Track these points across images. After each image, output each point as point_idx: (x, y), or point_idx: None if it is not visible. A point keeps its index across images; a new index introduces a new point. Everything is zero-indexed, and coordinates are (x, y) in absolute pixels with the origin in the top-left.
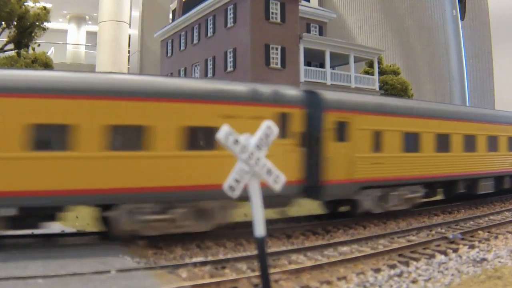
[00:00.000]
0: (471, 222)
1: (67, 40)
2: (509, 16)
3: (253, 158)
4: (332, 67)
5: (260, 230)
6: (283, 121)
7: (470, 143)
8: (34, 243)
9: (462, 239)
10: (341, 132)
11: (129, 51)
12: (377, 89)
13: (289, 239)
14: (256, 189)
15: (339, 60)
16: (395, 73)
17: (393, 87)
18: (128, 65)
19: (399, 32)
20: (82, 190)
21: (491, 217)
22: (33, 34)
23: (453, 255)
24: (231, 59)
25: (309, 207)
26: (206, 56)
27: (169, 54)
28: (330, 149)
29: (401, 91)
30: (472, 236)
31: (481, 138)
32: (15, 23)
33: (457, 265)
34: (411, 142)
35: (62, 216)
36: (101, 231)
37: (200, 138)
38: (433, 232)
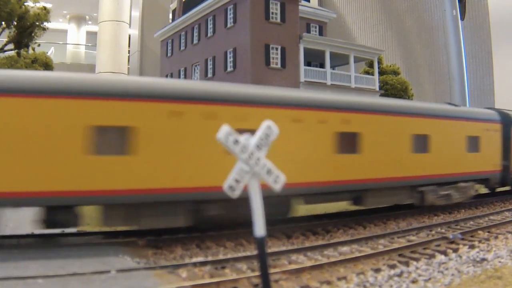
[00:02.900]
0: (471, 222)
1: (67, 40)
2: (509, 16)
3: (253, 158)
4: (332, 67)
5: (260, 230)
6: None
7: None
8: (34, 243)
9: (462, 239)
10: None
11: (129, 51)
12: (377, 89)
13: (289, 239)
14: (256, 189)
15: (339, 60)
16: (395, 73)
17: (393, 87)
18: (128, 65)
19: (399, 32)
20: None
21: (491, 217)
22: (33, 34)
23: (453, 255)
24: (231, 59)
25: (308, 207)
26: (206, 56)
27: (169, 54)
28: None
29: (401, 91)
30: (472, 236)
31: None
32: (15, 23)
33: (457, 265)
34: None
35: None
36: (101, 231)
37: None
38: (433, 232)
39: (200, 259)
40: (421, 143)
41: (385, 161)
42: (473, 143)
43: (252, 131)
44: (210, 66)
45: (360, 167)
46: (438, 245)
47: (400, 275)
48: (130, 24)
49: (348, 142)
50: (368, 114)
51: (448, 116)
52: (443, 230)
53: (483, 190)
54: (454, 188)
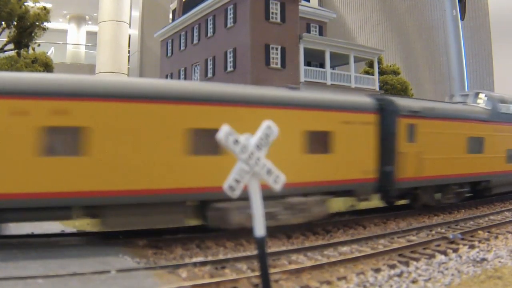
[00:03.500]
0: (471, 222)
1: (67, 40)
2: (509, 16)
3: (253, 158)
4: (332, 67)
5: (260, 230)
6: None
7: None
8: (34, 243)
9: (462, 239)
10: None
11: (129, 51)
12: (377, 89)
13: (289, 239)
14: (256, 189)
15: (339, 60)
16: (395, 73)
17: (393, 87)
18: (128, 65)
19: (399, 32)
20: None
21: (491, 217)
22: (33, 34)
23: (453, 255)
24: (231, 59)
25: None
26: (206, 56)
27: (169, 54)
28: None
29: (401, 91)
30: (472, 236)
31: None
32: (15, 23)
33: (457, 265)
34: None
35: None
36: (101, 231)
37: None
38: (433, 232)
39: (200, 259)
40: (207, 142)
41: (136, 166)
42: (319, 141)
43: None
44: (210, 66)
45: (90, 175)
46: (438, 245)
47: (400, 275)
48: (130, 24)
49: (65, 141)
50: (95, 100)
51: (264, 102)
52: (443, 230)
53: (372, 203)
54: (281, 205)
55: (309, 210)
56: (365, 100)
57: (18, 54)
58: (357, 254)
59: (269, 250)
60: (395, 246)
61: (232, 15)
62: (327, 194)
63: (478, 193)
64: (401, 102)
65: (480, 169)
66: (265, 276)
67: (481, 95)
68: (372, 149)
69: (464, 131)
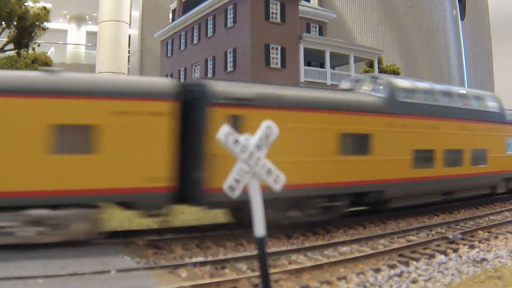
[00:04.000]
0: (471, 222)
1: (67, 40)
2: (509, 16)
3: (253, 158)
4: (332, 67)
5: (260, 230)
6: None
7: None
8: (34, 243)
9: (462, 239)
10: None
11: (129, 51)
12: None
13: (289, 239)
14: (256, 189)
15: (339, 60)
16: (395, 73)
17: None
18: (128, 65)
19: (399, 32)
20: None
21: (491, 217)
22: (33, 34)
23: (453, 255)
24: (231, 59)
25: None
26: (206, 56)
27: (169, 54)
28: None
29: None
30: (472, 236)
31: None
32: (15, 23)
33: (457, 265)
34: None
35: None
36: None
37: None
38: (433, 232)
39: (200, 259)
40: None
41: None
42: (75, 138)
43: None
44: (210, 66)
45: None
46: (438, 245)
47: (400, 275)
48: (130, 24)
49: None
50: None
51: None
52: (443, 230)
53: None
54: (19, 218)
55: (68, 226)
56: (156, 83)
57: (18, 54)
58: (357, 254)
59: (269, 250)
60: (395, 246)
61: (232, 15)
62: (95, 207)
63: (374, 206)
64: (219, 87)
65: (364, 177)
66: (265, 276)
67: (378, 80)
68: (165, 149)
69: (334, 126)
